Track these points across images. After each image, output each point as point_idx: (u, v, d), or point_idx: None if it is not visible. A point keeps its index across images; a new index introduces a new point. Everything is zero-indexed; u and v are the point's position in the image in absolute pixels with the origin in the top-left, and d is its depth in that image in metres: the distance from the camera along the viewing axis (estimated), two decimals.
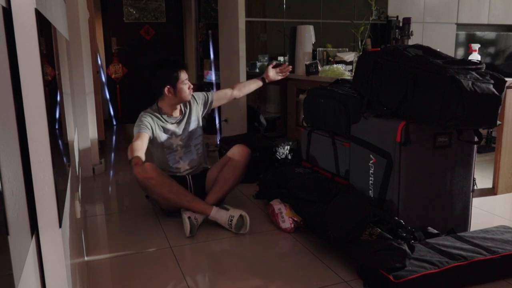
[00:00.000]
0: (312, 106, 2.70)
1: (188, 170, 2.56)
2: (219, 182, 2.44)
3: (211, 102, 2.72)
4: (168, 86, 2.45)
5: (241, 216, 2.21)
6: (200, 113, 2.68)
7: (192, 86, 2.52)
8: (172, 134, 2.53)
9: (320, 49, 3.89)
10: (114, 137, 5.15)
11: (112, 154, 4.28)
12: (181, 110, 2.60)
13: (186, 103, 2.60)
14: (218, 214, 2.26)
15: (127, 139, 5.01)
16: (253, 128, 4.08)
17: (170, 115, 2.54)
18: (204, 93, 2.73)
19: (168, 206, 2.37)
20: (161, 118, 2.50)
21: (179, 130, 2.55)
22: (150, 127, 2.43)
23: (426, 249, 1.77)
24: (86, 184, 3.15)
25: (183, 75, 2.47)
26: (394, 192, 1.99)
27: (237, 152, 2.49)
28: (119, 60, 5.71)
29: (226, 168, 2.46)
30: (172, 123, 2.54)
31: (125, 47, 5.73)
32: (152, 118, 2.47)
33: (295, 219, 2.23)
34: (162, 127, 2.50)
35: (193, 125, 2.61)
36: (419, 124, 1.92)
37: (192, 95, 2.62)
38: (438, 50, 2.08)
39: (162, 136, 2.50)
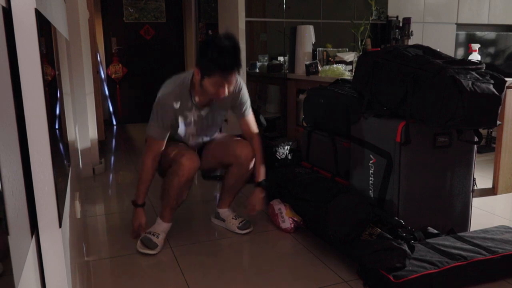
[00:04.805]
0: (312, 106, 2.70)
1: (193, 146, 2.29)
2: (229, 190, 2.34)
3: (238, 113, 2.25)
4: (198, 70, 1.96)
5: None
6: (228, 108, 2.23)
7: (224, 95, 1.97)
8: (190, 123, 2.14)
9: (320, 49, 3.89)
10: (114, 137, 5.14)
11: (112, 154, 4.28)
12: (210, 102, 2.14)
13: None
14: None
15: (127, 140, 5.02)
16: None
17: (197, 102, 2.09)
18: (248, 100, 2.24)
19: (169, 188, 2.12)
20: (188, 102, 2.06)
21: (198, 119, 2.14)
22: (169, 124, 2.05)
23: (426, 249, 1.77)
24: (86, 184, 3.15)
25: (220, 80, 1.91)
26: (394, 192, 1.99)
27: (243, 156, 2.20)
28: (119, 60, 5.71)
29: (233, 174, 2.26)
30: (196, 110, 2.11)
31: (125, 47, 5.73)
32: (175, 103, 2.02)
33: (295, 219, 2.23)
34: (184, 112, 2.08)
35: (217, 119, 2.24)
36: (419, 124, 1.92)
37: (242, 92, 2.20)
38: (438, 50, 2.07)
39: (179, 123, 2.12)
